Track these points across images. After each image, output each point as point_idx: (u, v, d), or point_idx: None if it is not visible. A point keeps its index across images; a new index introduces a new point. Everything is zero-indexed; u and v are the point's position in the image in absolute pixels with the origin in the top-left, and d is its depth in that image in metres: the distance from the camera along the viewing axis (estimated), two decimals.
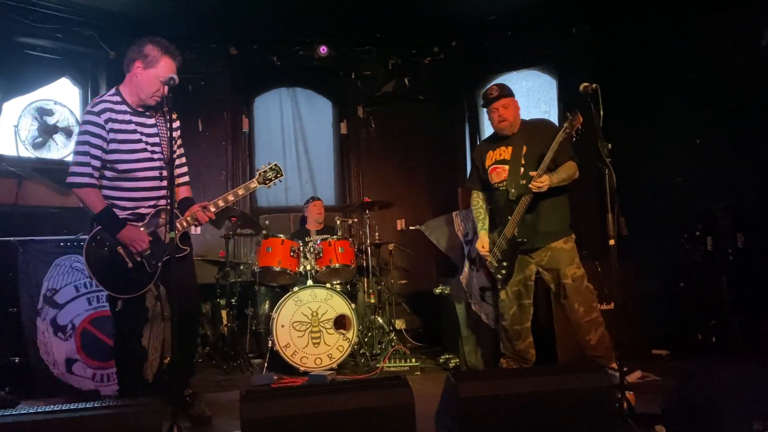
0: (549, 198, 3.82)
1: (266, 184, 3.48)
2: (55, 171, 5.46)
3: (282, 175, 3.52)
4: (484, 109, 4.15)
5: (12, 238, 4.17)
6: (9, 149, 5.41)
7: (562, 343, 4.54)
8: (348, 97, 6.98)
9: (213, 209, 3.28)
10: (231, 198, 3.34)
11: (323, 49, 6.67)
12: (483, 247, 4.05)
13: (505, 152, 4.02)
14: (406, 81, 7.01)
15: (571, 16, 6.19)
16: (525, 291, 3.99)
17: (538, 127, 4.06)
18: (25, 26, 5.38)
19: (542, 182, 3.67)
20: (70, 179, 3.12)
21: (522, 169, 3.89)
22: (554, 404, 2.44)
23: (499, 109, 3.98)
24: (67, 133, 5.56)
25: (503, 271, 3.96)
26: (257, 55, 6.67)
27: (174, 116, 3.13)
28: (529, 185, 3.71)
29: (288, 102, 6.95)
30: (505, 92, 4.01)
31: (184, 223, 3.24)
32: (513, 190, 3.86)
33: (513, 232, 3.84)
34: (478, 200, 4.22)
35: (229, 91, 6.58)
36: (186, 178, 3.50)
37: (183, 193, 3.45)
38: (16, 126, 5.42)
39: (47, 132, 5.51)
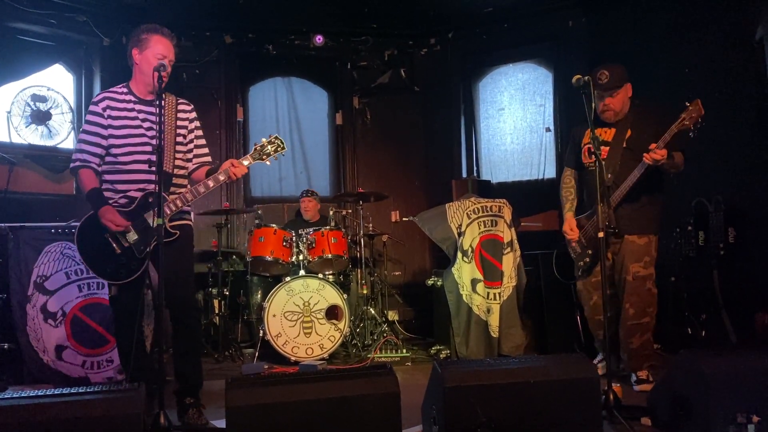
0: (644, 192, 3.65)
1: (263, 159, 3.31)
2: (47, 158, 5.46)
3: (284, 148, 3.33)
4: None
5: (3, 224, 4.15)
6: (1, 135, 5.39)
7: (553, 333, 4.63)
8: (344, 88, 6.96)
9: (246, 163, 3.24)
10: (245, 163, 3.25)
11: (319, 39, 6.66)
12: (571, 230, 3.86)
13: (606, 133, 3.77)
14: (403, 72, 7.01)
15: (568, 9, 6.19)
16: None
17: (651, 112, 3.77)
18: (18, 11, 5.35)
19: (661, 154, 3.37)
20: (70, 165, 3.24)
21: (623, 153, 3.67)
22: (540, 395, 2.44)
23: (605, 98, 3.71)
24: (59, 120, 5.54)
25: (586, 259, 3.84)
26: (252, 43, 6.66)
27: (190, 107, 3.46)
28: (644, 155, 3.43)
29: (283, 91, 6.92)
30: (616, 82, 3.67)
31: (173, 207, 3.13)
32: (610, 175, 3.59)
33: (606, 220, 3.30)
34: (570, 179, 4.03)
35: (224, 80, 6.56)
36: (207, 158, 3.51)
37: (200, 173, 3.37)
38: (9, 112, 5.40)
39: (40, 118, 5.48)
